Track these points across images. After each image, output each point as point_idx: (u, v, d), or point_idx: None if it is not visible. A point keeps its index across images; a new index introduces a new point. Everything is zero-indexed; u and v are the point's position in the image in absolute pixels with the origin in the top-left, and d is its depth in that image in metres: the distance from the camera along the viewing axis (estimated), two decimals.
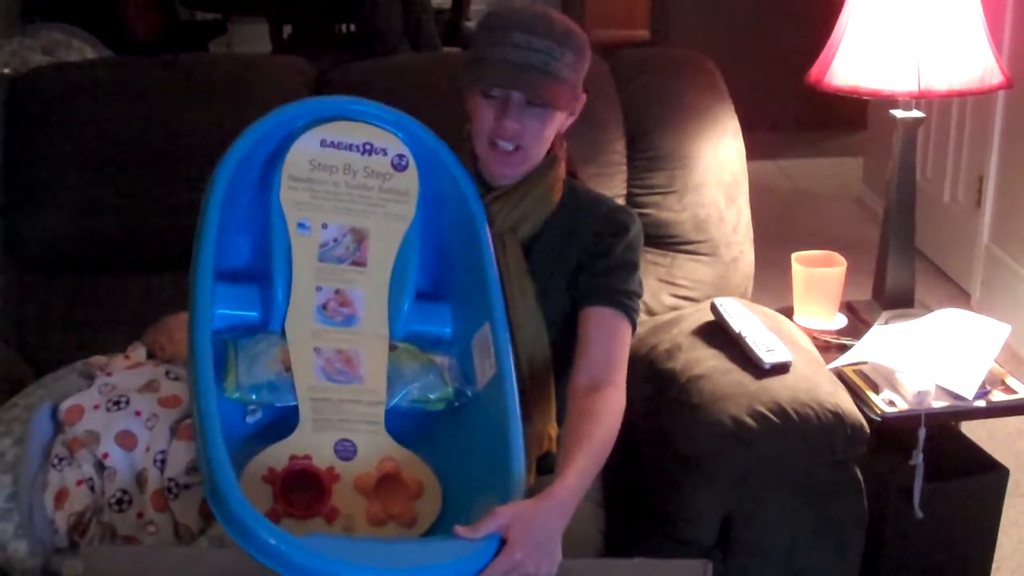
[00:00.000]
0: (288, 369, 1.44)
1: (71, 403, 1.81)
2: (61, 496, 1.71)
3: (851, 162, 5.15)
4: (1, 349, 2.25)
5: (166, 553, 1.57)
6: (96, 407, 1.79)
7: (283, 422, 1.43)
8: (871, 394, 2.10)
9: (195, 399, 1.36)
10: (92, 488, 1.72)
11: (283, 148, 1.52)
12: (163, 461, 1.73)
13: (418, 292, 1.55)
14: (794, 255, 2.41)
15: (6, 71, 3.43)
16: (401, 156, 1.56)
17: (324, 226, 1.51)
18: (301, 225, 1.50)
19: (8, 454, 1.81)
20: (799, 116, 5.55)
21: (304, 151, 1.51)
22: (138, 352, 2.00)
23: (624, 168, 2.42)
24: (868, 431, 1.94)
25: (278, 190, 1.50)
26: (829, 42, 2.37)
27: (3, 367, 2.18)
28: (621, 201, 2.41)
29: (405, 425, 1.47)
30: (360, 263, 1.52)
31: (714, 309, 2.16)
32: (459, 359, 1.53)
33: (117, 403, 1.79)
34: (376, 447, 1.45)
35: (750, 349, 2.00)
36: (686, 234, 2.41)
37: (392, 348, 1.52)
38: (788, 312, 2.41)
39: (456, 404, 1.52)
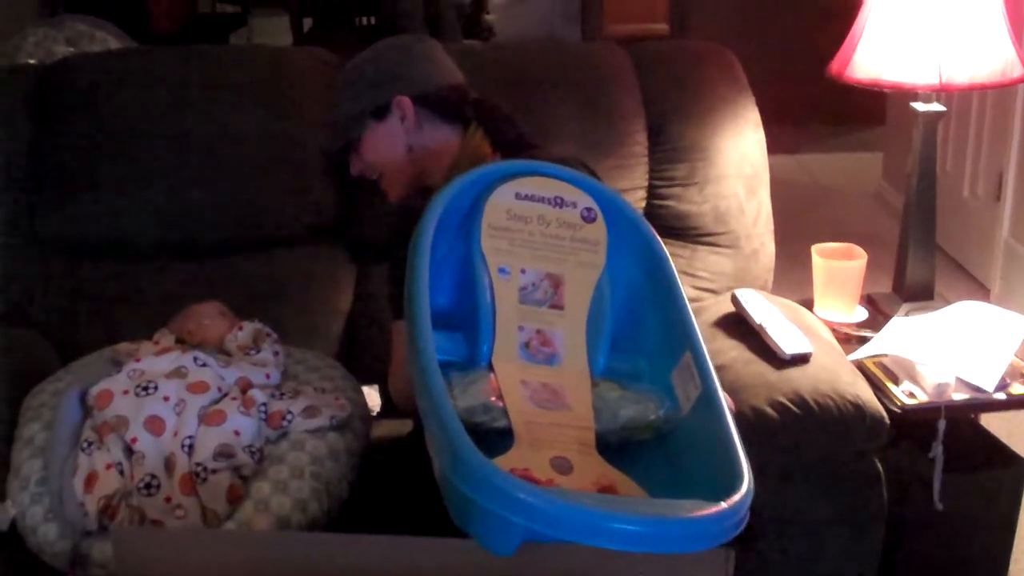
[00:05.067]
0: (499, 397, 1.48)
1: (100, 388, 1.84)
2: (91, 480, 1.73)
3: (870, 157, 5.14)
4: (29, 336, 2.27)
5: (196, 536, 1.59)
6: (125, 392, 1.82)
7: (492, 449, 1.46)
8: (891, 386, 2.11)
9: (426, 393, 1.39)
10: (121, 472, 1.73)
11: (478, 202, 1.60)
12: (191, 446, 1.76)
13: (613, 340, 1.61)
14: (814, 247, 2.41)
15: (31, 61, 3.45)
16: (589, 209, 1.63)
17: (523, 271, 1.58)
18: (501, 270, 1.57)
19: (37, 439, 1.83)
20: (817, 111, 5.54)
21: (501, 203, 1.60)
22: (166, 339, 2.02)
23: (645, 160, 2.44)
24: (888, 422, 1.96)
25: (479, 239, 1.58)
26: (850, 34, 2.37)
27: (31, 354, 2.21)
28: (642, 193, 2.43)
29: (612, 457, 1.48)
30: (558, 306, 1.59)
31: (735, 300, 2.18)
32: (661, 391, 1.56)
33: (146, 388, 1.81)
34: (591, 466, 1.46)
35: (771, 340, 2.01)
36: (706, 226, 2.42)
37: (594, 384, 1.56)
38: (808, 305, 2.42)
39: (663, 431, 1.54)
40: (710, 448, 1.45)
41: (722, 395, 1.48)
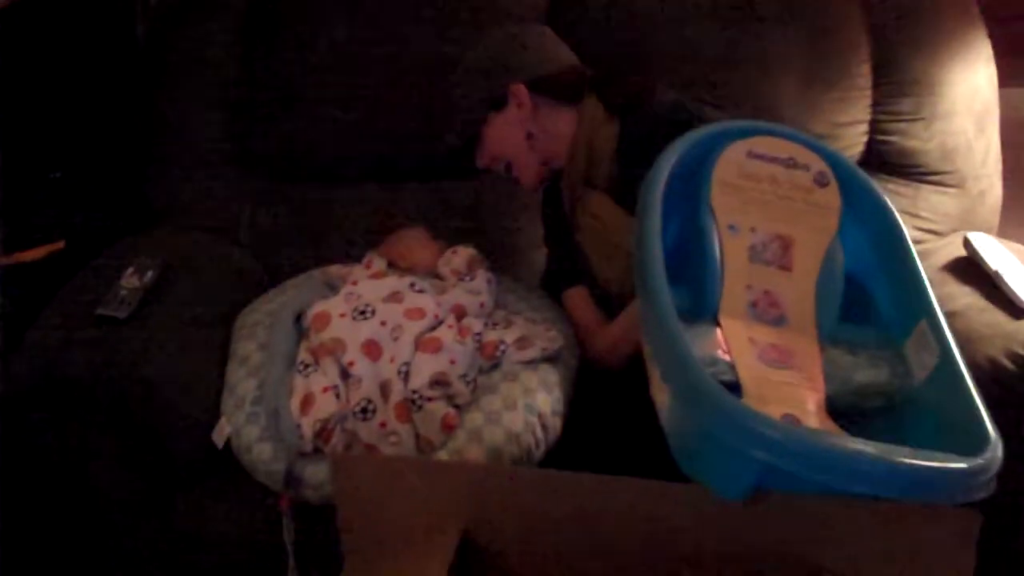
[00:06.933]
0: (726, 351, 1.47)
1: (318, 310, 1.83)
2: (307, 402, 1.72)
3: None
4: (239, 255, 2.29)
5: (413, 463, 1.56)
6: (342, 315, 1.80)
7: None
8: None
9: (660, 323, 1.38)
10: (337, 395, 1.72)
11: (709, 158, 1.59)
12: (407, 373, 1.74)
13: (842, 312, 1.58)
14: None
15: None
16: (822, 173, 1.61)
17: (752, 230, 1.56)
18: (731, 227, 1.56)
19: (253, 358, 1.84)
20: None
21: (733, 160, 1.59)
22: (377, 262, 2.01)
23: (868, 93, 2.34)
24: None
25: (709, 194, 1.57)
26: None
27: (241, 272, 2.22)
28: (864, 128, 2.34)
29: (839, 424, 1.46)
30: (787, 268, 1.57)
31: (967, 244, 2.06)
32: (891, 362, 1.53)
33: (363, 312, 1.80)
34: (821, 426, 1.44)
35: (1008, 288, 1.90)
36: (932, 164, 2.32)
37: (823, 349, 1.54)
38: None
39: (894, 400, 1.52)
40: (949, 415, 1.41)
41: (963, 365, 1.42)
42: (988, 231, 2.32)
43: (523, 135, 1.96)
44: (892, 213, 1.60)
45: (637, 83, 1.95)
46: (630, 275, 1.79)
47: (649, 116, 1.85)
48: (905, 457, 1.25)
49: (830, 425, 1.43)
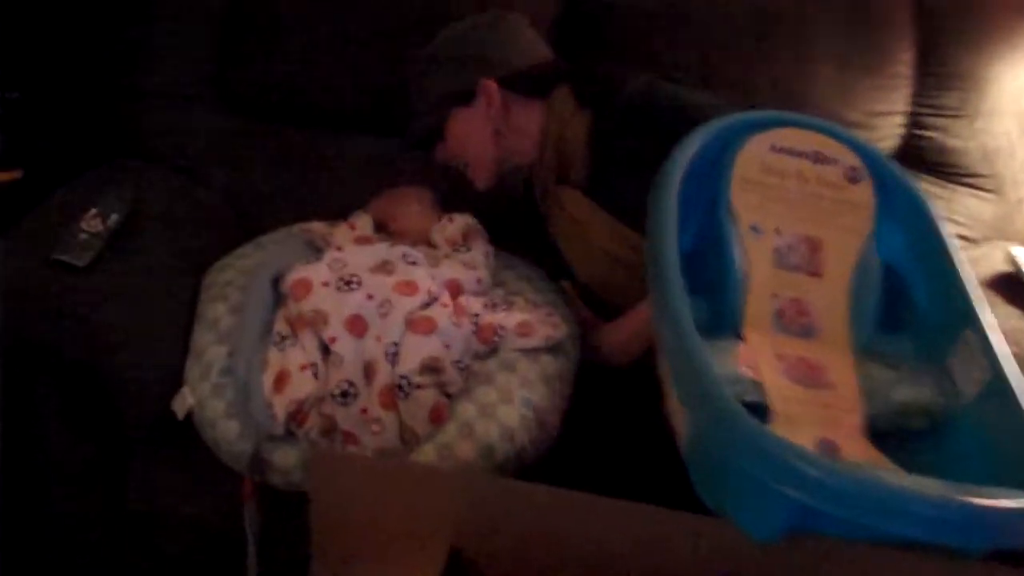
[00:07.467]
0: (751, 368, 1.35)
1: (298, 276, 1.64)
2: (281, 379, 1.55)
3: None
4: (212, 200, 2.10)
5: (401, 470, 1.39)
6: (325, 284, 1.62)
7: None
8: None
9: (682, 347, 1.27)
10: (315, 374, 1.55)
11: (727, 153, 1.49)
12: (395, 355, 1.56)
13: (879, 321, 1.47)
14: None
15: None
16: (854, 168, 1.50)
17: (777, 231, 1.46)
18: (753, 228, 1.46)
19: (223, 322, 1.65)
20: None
21: (755, 155, 1.48)
22: (363, 222, 1.83)
23: (909, 83, 2.20)
24: None
25: (728, 191, 1.46)
26: None
27: (215, 221, 2.03)
28: (901, 119, 2.21)
29: (878, 447, 1.35)
30: (816, 273, 1.45)
31: (1013, 261, 1.91)
32: (935, 377, 1.41)
33: (349, 283, 1.61)
34: (861, 453, 1.32)
35: None
36: (972, 165, 2.20)
37: (858, 362, 1.42)
38: None
39: (939, 419, 1.39)
40: (1002, 440, 1.29)
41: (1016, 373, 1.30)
42: (1022, 242, 2.19)
43: (490, 132, 1.84)
44: (932, 211, 1.48)
45: (606, 72, 1.85)
46: (610, 275, 1.73)
47: (621, 106, 1.73)
48: (973, 497, 1.12)
49: (872, 452, 1.31)
